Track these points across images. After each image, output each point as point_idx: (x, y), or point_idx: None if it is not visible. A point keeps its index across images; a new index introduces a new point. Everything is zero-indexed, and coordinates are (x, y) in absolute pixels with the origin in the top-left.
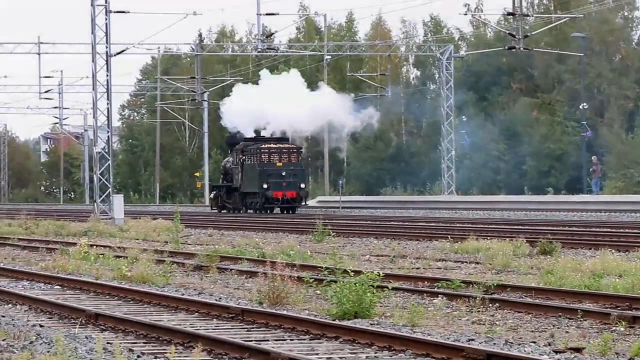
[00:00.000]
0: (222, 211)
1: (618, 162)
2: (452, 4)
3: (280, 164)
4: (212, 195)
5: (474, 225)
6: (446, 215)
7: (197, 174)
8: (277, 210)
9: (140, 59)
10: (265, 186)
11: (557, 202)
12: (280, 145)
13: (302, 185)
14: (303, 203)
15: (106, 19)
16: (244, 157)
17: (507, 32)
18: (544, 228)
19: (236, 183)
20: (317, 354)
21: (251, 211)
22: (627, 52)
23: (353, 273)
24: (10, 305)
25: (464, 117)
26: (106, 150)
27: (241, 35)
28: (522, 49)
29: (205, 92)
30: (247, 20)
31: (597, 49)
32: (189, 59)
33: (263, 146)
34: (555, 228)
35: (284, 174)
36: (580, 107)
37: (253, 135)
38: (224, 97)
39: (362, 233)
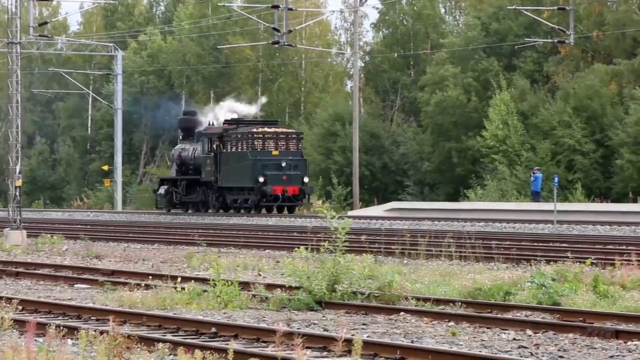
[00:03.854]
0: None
1: None
2: None
3: (277, 153)
4: (161, 191)
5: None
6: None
7: (106, 168)
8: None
9: None
10: (261, 180)
11: None
12: (277, 130)
13: (306, 180)
14: (305, 201)
15: None
16: (222, 144)
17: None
18: None
19: (207, 176)
20: None
21: (232, 211)
22: None
23: None
24: None
25: None
26: None
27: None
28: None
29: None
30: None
31: None
32: None
33: (256, 130)
34: None
35: (283, 165)
36: None
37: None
38: None
39: None
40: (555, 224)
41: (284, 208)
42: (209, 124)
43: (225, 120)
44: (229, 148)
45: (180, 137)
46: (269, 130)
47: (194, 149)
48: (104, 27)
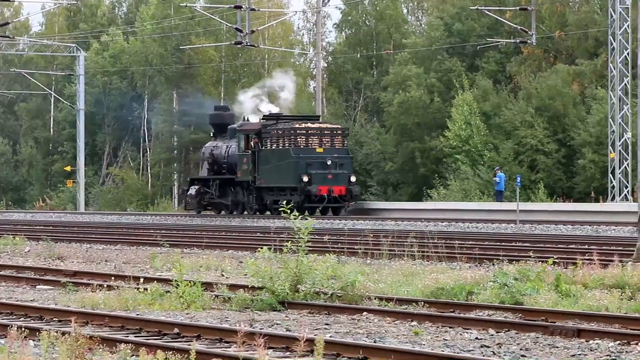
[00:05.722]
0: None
1: None
2: None
3: (321, 150)
4: (191, 192)
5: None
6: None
7: (68, 169)
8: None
9: None
10: (305, 179)
11: None
12: (321, 125)
13: (353, 179)
14: (352, 202)
15: None
16: (260, 141)
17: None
18: None
19: (243, 175)
20: None
21: (269, 213)
22: None
23: None
24: None
25: None
26: None
27: None
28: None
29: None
30: None
31: None
32: None
33: (298, 126)
34: None
35: (328, 163)
36: None
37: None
38: None
39: None
40: (518, 223)
41: (328, 210)
42: (244, 120)
43: (264, 116)
44: (268, 145)
45: (212, 134)
46: (312, 125)
47: (227, 146)
48: (67, 28)
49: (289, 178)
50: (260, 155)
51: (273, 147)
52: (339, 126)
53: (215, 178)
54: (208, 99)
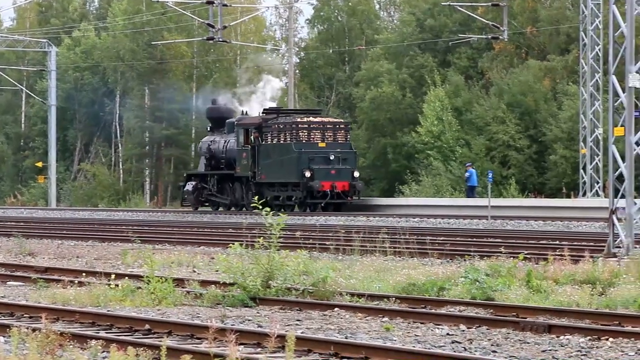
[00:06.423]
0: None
1: None
2: None
3: (324, 145)
4: (188, 188)
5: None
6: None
7: (40, 164)
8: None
9: None
10: (307, 174)
11: None
12: (323, 120)
13: (356, 174)
14: (356, 198)
15: None
16: (260, 136)
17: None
18: None
19: (242, 171)
20: None
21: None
22: None
23: None
24: None
25: None
26: None
27: None
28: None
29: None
30: None
31: None
32: None
33: (300, 120)
34: None
35: (331, 158)
36: None
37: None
38: None
39: None
40: (490, 219)
41: (331, 206)
42: (242, 114)
43: (264, 110)
44: (269, 139)
45: (208, 128)
46: (314, 119)
47: (225, 141)
48: (38, 23)
49: (291, 173)
50: (260, 150)
51: (274, 142)
52: (342, 120)
53: (213, 173)
54: (180, 95)
